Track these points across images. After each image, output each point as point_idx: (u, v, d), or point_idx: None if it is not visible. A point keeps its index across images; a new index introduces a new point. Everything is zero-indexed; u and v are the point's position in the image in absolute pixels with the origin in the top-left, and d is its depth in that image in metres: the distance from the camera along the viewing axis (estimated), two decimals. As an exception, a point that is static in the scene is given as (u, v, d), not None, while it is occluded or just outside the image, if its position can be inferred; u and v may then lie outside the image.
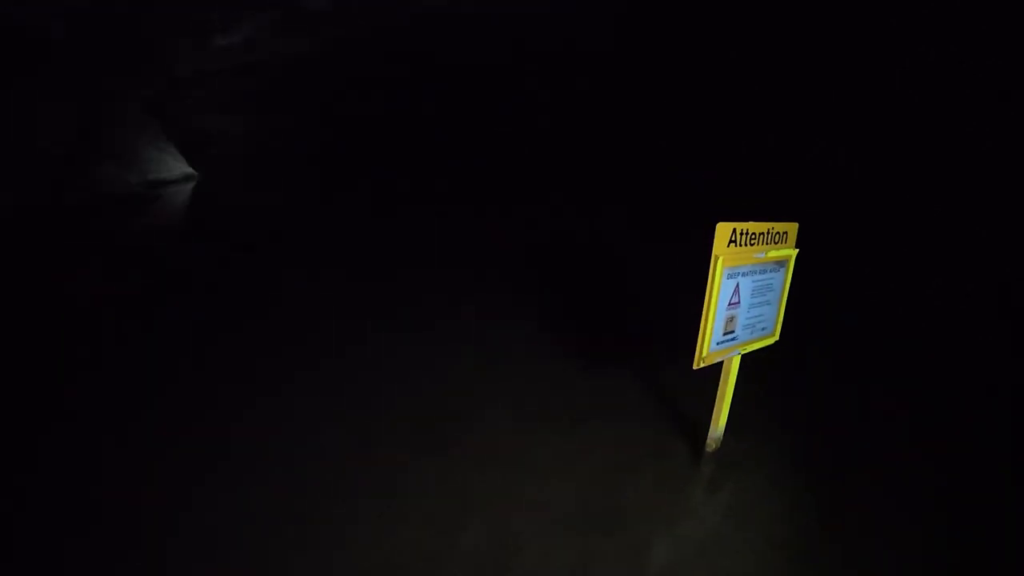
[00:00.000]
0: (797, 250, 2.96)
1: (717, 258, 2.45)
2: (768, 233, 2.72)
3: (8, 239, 5.61)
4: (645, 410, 3.45)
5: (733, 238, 2.52)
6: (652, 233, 6.41)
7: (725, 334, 2.65)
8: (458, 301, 4.81)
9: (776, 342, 3.07)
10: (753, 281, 2.71)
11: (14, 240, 5.61)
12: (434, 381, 3.63)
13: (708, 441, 3.01)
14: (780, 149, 6.63)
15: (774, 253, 2.78)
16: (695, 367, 2.57)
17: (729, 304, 2.61)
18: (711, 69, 7.06)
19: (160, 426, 3.06)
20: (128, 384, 3.47)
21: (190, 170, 7.22)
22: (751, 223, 2.60)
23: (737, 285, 2.62)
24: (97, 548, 2.35)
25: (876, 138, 6.11)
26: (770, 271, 2.83)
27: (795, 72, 6.51)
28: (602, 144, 8.30)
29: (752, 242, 2.63)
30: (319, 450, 2.94)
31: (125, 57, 6.36)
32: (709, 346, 2.56)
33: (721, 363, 2.81)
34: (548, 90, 8.01)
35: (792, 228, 2.91)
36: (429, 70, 7.36)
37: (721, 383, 2.88)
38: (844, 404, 3.69)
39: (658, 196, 7.26)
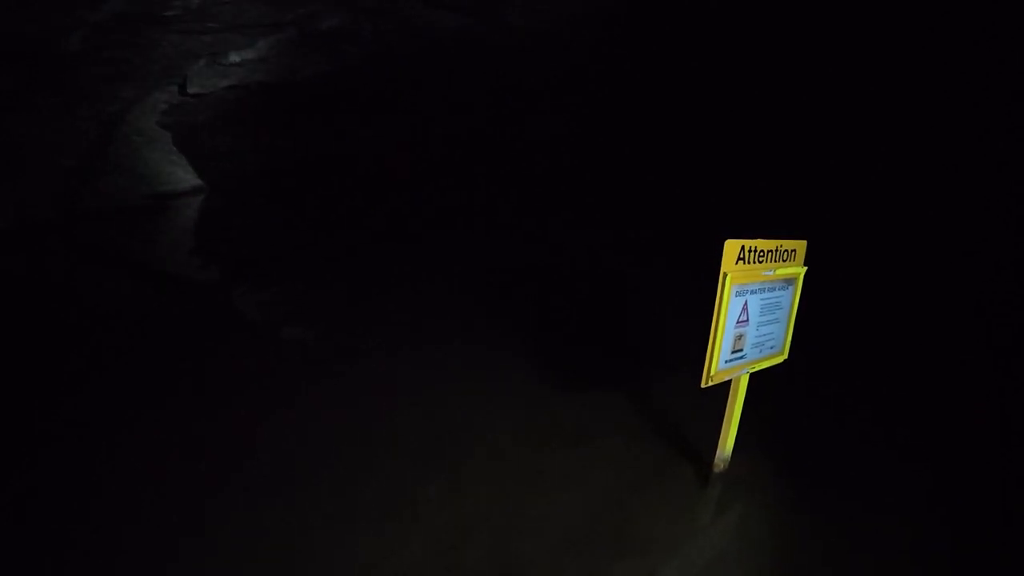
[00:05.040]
0: (806, 268, 2.94)
1: (725, 275, 2.44)
2: (777, 251, 2.71)
3: (16, 249, 5.65)
4: (650, 430, 3.40)
5: (741, 255, 2.50)
6: (656, 250, 6.39)
7: (733, 352, 2.62)
8: (458, 319, 4.77)
9: (784, 360, 3.04)
10: (762, 299, 2.69)
11: (21, 250, 5.65)
12: (434, 399, 3.58)
13: (715, 461, 2.96)
14: (788, 166, 6.62)
15: (783, 271, 2.77)
16: (703, 386, 2.54)
17: (737, 322, 2.58)
18: (715, 85, 7.11)
19: (157, 445, 3.02)
20: (127, 397, 3.44)
21: (199, 182, 7.28)
22: (759, 240, 2.59)
23: (745, 303, 2.60)
24: (94, 555, 2.32)
25: (886, 154, 6.08)
26: (779, 289, 2.81)
27: (801, 91, 6.54)
28: (605, 161, 8.34)
29: (760, 259, 2.61)
30: (318, 469, 2.90)
31: (139, 71, 6.45)
32: (717, 364, 2.54)
33: (728, 382, 2.78)
34: (556, 112, 8.09)
35: (801, 246, 2.90)
36: (440, 91, 7.45)
37: (729, 402, 2.84)
38: (855, 423, 3.63)
39: (661, 213, 7.25)
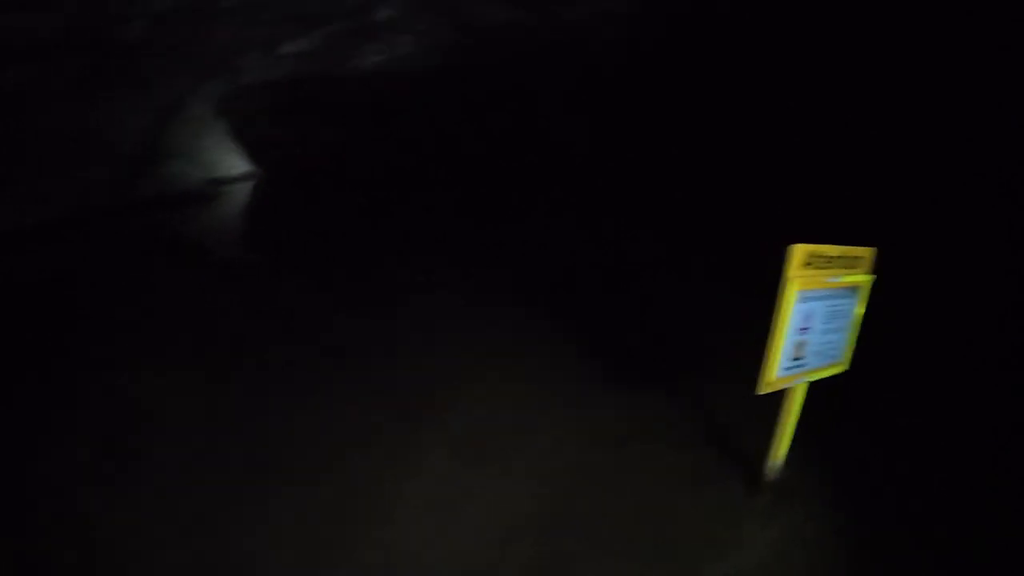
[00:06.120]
0: (873, 277, 2.83)
1: (790, 280, 2.36)
2: (843, 258, 2.61)
3: (75, 236, 5.88)
4: (699, 435, 3.34)
5: (808, 261, 2.42)
6: (710, 251, 6.22)
7: (794, 360, 2.54)
8: (506, 317, 4.74)
9: (845, 371, 2.94)
10: (826, 306, 2.60)
11: (81, 237, 5.88)
12: (479, 394, 3.59)
13: (766, 470, 2.89)
14: (850, 171, 6.34)
15: (849, 279, 2.67)
16: (760, 392, 2.48)
17: (800, 329, 2.50)
18: (777, 86, 6.88)
19: (197, 428, 3.11)
20: (177, 378, 3.57)
21: (251, 170, 7.50)
22: (826, 246, 2.50)
23: (809, 309, 2.51)
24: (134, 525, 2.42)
25: (957, 165, 5.77)
26: (843, 297, 2.71)
27: (871, 91, 6.23)
28: (655, 160, 8.18)
29: (827, 266, 2.52)
30: (361, 457, 2.94)
31: (196, 60, 6.62)
32: (776, 371, 2.47)
33: (784, 390, 2.70)
34: (604, 110, 7.98)
35: (868, 253, 2.79)
36: (490, 85, 7.42)
37: (784, 411, 2.76)
38: (912, 441, 3.49)
39: (714, 214, 7.05)
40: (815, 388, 2.84)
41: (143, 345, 3.94)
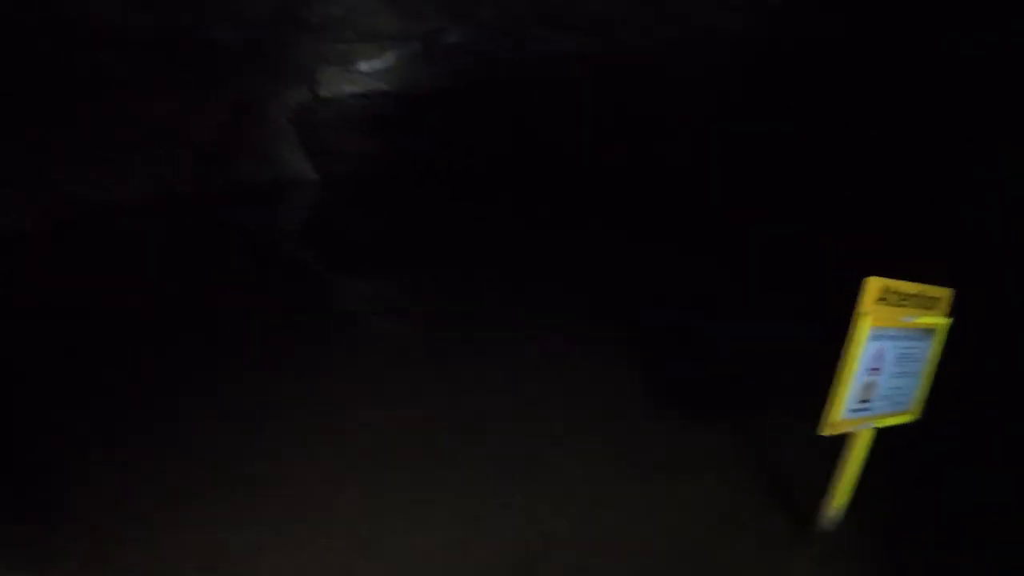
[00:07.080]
0: (950, 320, 2.65)
1: (863, 316, 2.23)
2: (920, 296, 2.46)
3: (153, 213, 6.24)
4: (751, 473, 3.13)
5: (882, 296, 2.29)
6: (776, 280, 5.95)
7: (861, 402, 2.38)
8: (556, 330, 4.64)
9: (916, 421, 2.73)
10: (898, 348, 2.44)
11: (157, 215, 6.24)
12: (524, 404, 3.54)
13: (820, 519, 2.69)
14: (932, 205, 5.91)
15: (925, 319, 2.51)
16: (822, 432, 2.33)
17: (870, 370, 2.35)
18: (845, 111, 6.61)
19: (242, 415, 3.18)
20: (231, 365, 3.68)
21: (316, 177, 7.84)
22: (903, 282, 2.36)
23: (881, 349, 2.36)
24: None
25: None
26: (917, 339, 2.54)
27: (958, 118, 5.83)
28: (724, 185, 7.98)
29: (902, 303, 2.38)
30: (395, 460, 2.93)
31: (278, 69, 7.01)
32: (840, 412, 2.31)
33: (849, 435, 2.53)
34: (665, 136, 7.94)
35: (945, 294, 2.62)
36: (550, 108, 7.55)
37: (847, 458, 2.57)
38: (981, 503, 3.17)
39: (781, 243, 6.76)
40: (881, 437, 2.65)
41: (204, 323, 4.14)
